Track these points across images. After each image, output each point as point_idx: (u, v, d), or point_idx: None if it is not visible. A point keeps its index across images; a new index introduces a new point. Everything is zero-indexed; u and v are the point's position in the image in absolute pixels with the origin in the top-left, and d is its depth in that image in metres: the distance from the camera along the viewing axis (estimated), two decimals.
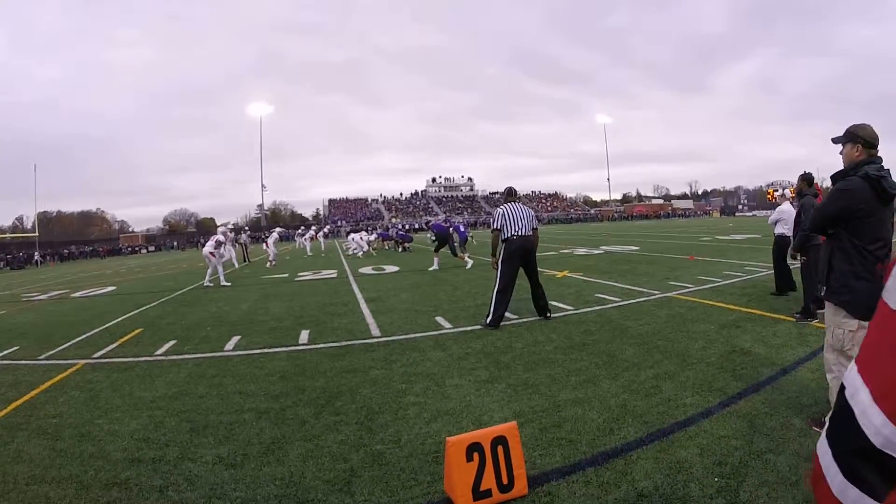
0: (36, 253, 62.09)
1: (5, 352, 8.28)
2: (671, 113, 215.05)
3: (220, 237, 17.57)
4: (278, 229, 32.88)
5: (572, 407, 4.25)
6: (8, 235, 74.66)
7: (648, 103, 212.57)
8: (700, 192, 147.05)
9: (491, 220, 8.19)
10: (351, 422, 4.26)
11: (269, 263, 23.59)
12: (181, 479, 3.49)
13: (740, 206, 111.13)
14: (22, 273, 43.90)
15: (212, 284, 16.11)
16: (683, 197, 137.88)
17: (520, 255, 7.58)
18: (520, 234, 7.55)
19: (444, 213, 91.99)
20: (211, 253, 16.30)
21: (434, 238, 19.13)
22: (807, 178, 7.26)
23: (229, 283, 16.07)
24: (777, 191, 9.32)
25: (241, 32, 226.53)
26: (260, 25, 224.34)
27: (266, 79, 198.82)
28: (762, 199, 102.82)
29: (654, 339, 6.26)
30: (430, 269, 16.55)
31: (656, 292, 9.45)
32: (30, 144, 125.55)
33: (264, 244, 27.10)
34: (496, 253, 7.86)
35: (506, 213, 7.69)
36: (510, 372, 5.30)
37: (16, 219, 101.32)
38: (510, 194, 8.29)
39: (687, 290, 9.61)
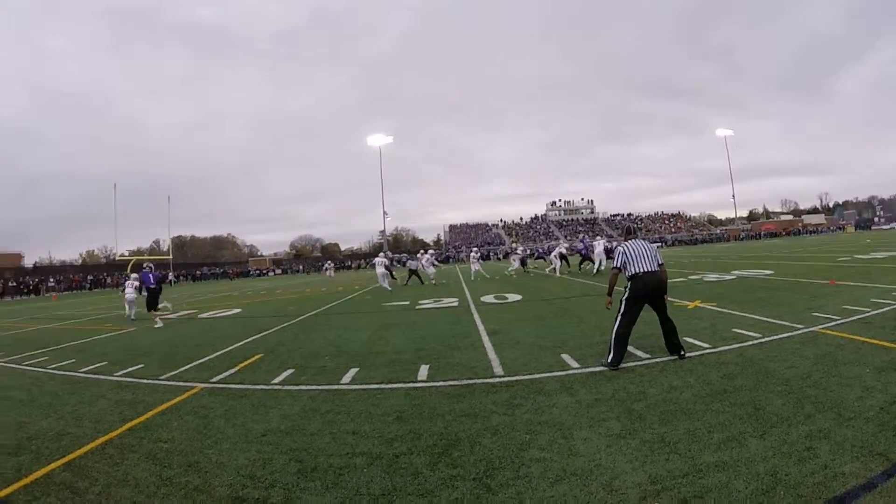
0: (170, 273, 66.71)
1: (130, 369, 8.67)
2: (793, 123, 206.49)
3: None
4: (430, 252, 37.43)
5: (715, 472, 3.69)
6: (145, 257, 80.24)
7: (767, 114, 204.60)
8: (831, 205, 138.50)
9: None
10: (468, 477, 3.91)
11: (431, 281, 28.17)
12: None
13: (876, 219, 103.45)
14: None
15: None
16: (814, 211, 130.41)
17: (646, 293, 7.04)
18: (645, 269, 7.03)
19: (565, 236, 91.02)
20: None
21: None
22: None
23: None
24: None
25: (355, 69, 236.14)
26: (372, 62, 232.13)
27: (385, 112, 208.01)
28: None
29: (804, 385, 5.50)
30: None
31: (800, 326, 8.51)
32: (168, 177, 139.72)
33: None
34: (611, 292, 7.37)
35: (627, 250, 7.23)
36: (644, 424, 4.75)
37: (153, 242, 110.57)
38: (629, 232, 7.97)
39: (833, 322, 8.62)
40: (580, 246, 30.47)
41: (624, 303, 7.04)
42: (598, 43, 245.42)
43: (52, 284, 62.96)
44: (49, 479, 4.44)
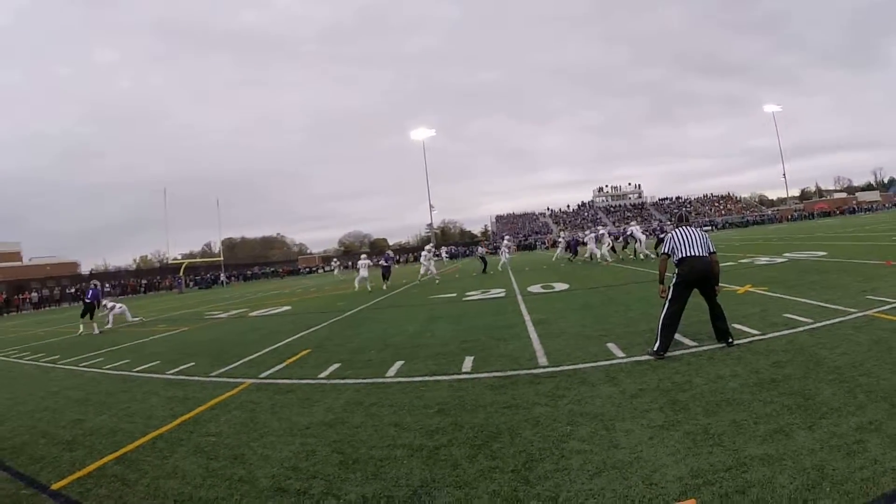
0: (221, 274, 68.39)
1: (182, 367, 8.92)
2: (846, 95, 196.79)
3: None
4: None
5: (760, 466, 3.57)
6: (198, 259, 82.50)
7: (819, 88, 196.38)
8: (886, 181, 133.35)
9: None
10: (507, 468, 3.90)
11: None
12: None
13: None
14: (208, 292, 48.54)
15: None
16: (868, 188, 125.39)
17: (695, 279, 6.93)
18: (693, 254, 6.95)
19: (613, 222, 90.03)
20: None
21: None
22: None
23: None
24: None
25: (402, 66, 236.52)
26: (418, 58, 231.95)
27: (429, 105, 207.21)
28: None
29: (856, 374, 5.27)
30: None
31: (853, 310, 8.20)
32: (217, 181, 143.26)
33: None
34: (663, 279, 7.30)
35: (675, 236, 7.21)
36: (688, 415, 4.64)
37: (204, 245, 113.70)
38: (681, 219, 7.94)
39: (889, 306, 8.25)
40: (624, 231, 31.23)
41: (672, 288, 6.96)
42: (642, 23, 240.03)
43: (108, 290, 64.87)
44: (101, 471, 4.64)
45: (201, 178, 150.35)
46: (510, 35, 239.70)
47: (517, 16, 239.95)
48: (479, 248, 37.86)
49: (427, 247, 31.94)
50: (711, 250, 7.11)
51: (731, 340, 6.93)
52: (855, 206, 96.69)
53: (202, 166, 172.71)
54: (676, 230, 7.34)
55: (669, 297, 6.94)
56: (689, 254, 6.97)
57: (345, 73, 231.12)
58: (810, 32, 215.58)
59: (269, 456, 4.56)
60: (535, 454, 4.12)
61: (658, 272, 7.46)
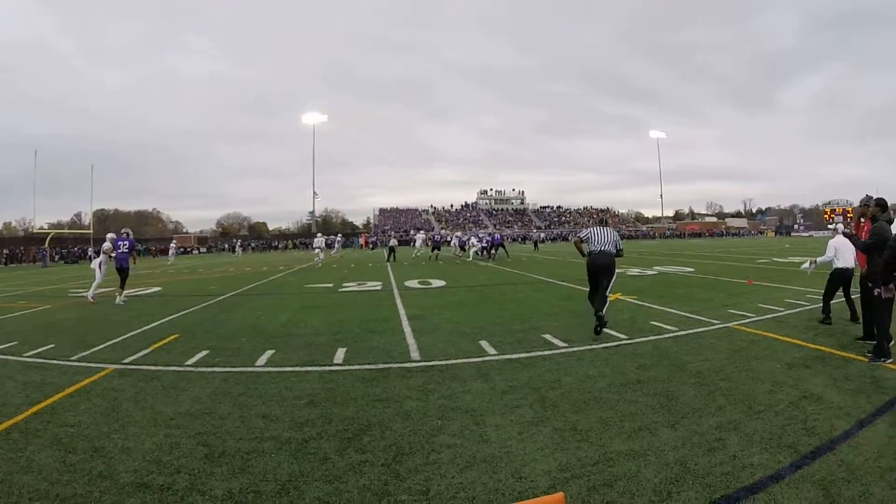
0: (90, 248, 63.82)
1: (41, 349, 8.23)
2: (734, 130, 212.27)
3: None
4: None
5: (625, 461, 3.72)
6: (66, 230, 76.89)
7: (713, 121, 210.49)
8: (754, 211, 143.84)
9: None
10: (377, 462, 3.83)
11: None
12: None
13: (796, 226, 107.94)
14: (75, 267, 45.11)
15: None
16: (737, 215, 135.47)
17: (594, 271, 8.50)
18: (600, 250, 8.46)
19: (494, 225, 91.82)
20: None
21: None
22: (881, 203, 6.83)
23: None
24: (831, 223, 9.26)
25: (310, 45, 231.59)
26: (331, 37, 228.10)
27: (332, 90, 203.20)
28: (819, 218, 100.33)
29: (716, 378, 5.67)
30: None
31: (716, 321, 8.86)
32: (94, 146, 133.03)
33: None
34: (583, 254, 8.83)
35: (592, 232, 8.70)
36: (557, 412, 4.77)
37: (74, 215, 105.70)
38: (601, 221, 9.79)
39: (748, 319, 9.00)
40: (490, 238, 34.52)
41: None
42: (558, 36, 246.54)
43: None
44: None
45: (76, 141, 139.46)
46: (425, 26, 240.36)
47: (436, 8, 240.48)
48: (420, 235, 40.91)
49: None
50: (619, 248, 8.66)
51: (598, 328, 8.06)
52: (724, 230, 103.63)
53: (79, 129, 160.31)
54: (595, 227, 8.76)
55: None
56: (595, 249, 8.47)
57: (243, 45, 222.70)
58: (710, 69, 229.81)
59: (130, 448, 4.24)
60: (406, 448, 4.09)
61: (577, 249, 8.99)
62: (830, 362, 6.26)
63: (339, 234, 62.52)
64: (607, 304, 8.41)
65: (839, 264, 8.83)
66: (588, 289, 8.81)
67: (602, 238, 8.54)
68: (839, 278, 8.89)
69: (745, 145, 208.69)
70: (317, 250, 35.77)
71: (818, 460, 3.67)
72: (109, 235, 15.47)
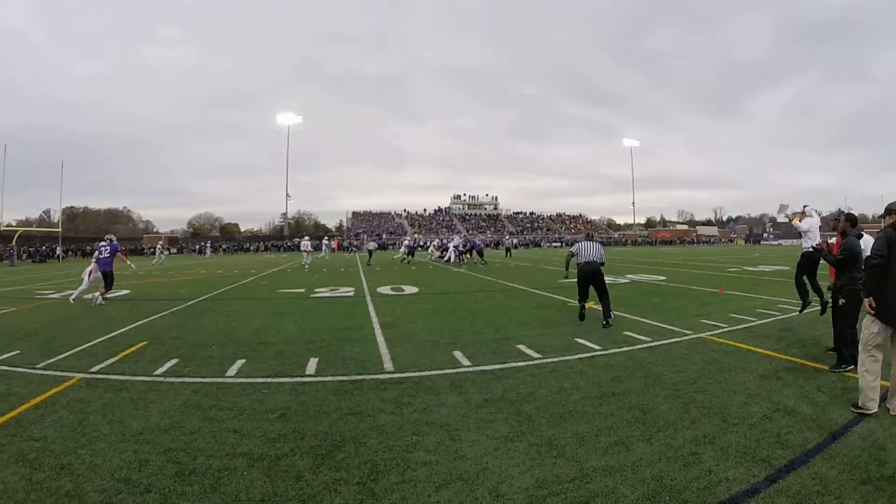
0: (58, 247, 62.46)
1: (5, 356, 7.96)
2: (704, 138, 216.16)
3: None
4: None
5: (602, 477, 3.71)
6: (34, 229, 75.23)
7: (683, 128, 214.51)
8: (725, 219, 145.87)
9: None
10: (352, 481, 3.76)
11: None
12: None
13: (765, 235, 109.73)
14: (43, 266, 44.26)
15: None
16: (708, 223, 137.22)
17: (583, 279, 10.01)
18: (586, 260, 10.03)
19: (466, 230, 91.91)
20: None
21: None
22: (851, 219, 6.91)
23: None
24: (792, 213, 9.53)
25: (282, 40, 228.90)
26: (302, 33, 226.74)
27: (303, 87, 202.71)
28: (788, 227, 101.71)
29: (690, 390, 5.71)
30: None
31: (688, 332, 8.93)
32: (62, 140, 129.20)
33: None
34: (568, 268, 10.82)
35: (580, 246, 10.40)
36: (533, 426, 4.75)
37: (43, 212, 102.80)
38: (588, 236, 11.15)
39: (720, 330, 9.10)
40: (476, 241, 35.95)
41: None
42: (532, 35, 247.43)
43: None
44: None
45: (44, 132, 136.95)
46: (398, 22, 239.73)
47: (406, 8, 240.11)
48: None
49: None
50: (601, 261, 10.10)
51: (606, 322, 9.59)
52: (694, 238, 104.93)
53: (50, 121, 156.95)
54: (583, 241, 10.50)
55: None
56: (582, 261, 10.08)
57: (220, 39, 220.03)
58: (683, 76, 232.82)
59: (98, 465, 4.10)
60: (381, 465, 4.02)
61: (565, 262, 10.92)
62: (802, 373, 6.35)
63: (327, 237, 62.80)
64: (610, 308, 9.82)
65: (809, 244, 9.11)
66: (578, 295, 10.26)
67: (589, 251, 10.19)
68: (809, 259, 9.20)
69: (715, 153, 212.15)
70: (304, 253, 38.02)
71: (792, 474, 3.71)
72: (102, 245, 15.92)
